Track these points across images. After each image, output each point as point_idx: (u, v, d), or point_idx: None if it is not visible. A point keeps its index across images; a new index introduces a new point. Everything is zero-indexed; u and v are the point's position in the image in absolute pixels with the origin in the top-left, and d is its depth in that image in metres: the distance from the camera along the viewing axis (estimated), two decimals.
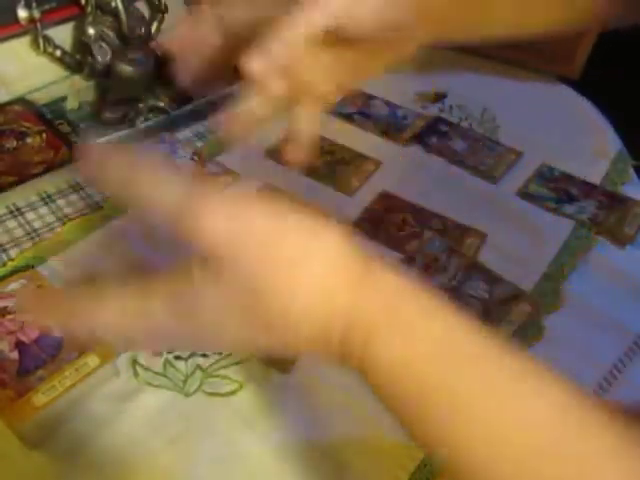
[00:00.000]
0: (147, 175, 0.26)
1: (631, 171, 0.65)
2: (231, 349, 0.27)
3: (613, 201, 0.60)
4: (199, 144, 0.65)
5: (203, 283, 0.25)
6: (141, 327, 0.27)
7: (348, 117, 0.71)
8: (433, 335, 0.23)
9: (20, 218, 0.55)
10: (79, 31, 0.67)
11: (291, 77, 0.35)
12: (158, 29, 0.70)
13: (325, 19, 0.32)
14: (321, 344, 0.25)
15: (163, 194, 0.25)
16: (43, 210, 0.56)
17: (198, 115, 0.70)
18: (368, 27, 0.33)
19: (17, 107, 0.64)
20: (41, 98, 0.68)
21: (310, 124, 0.43)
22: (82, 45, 0.66)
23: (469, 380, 0.23)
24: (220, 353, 0.45)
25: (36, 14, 0.61)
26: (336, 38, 0.34)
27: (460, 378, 0.23)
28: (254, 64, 0.33)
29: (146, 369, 0.43)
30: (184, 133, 0.67)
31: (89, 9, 0.64)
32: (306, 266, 0.24)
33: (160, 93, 0.69)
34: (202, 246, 0.24)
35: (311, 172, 0.62)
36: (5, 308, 0.45)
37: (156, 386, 0.43)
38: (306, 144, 0.43)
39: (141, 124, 0.68)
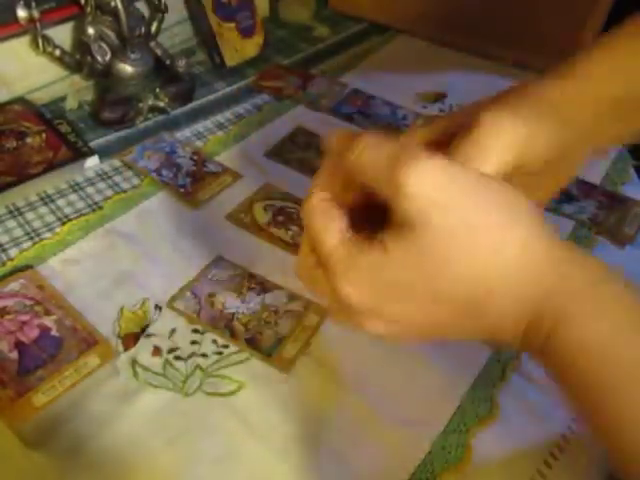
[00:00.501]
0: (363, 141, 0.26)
1: (631, 171, 0.65)
2: (410, 320, 0.26)
3: (613, 201, 0.60)
4: (199, 144, 0.65)
5: (395, 243, 0.25)
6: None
7: (348, 117, 0.71)
8: (635, 321, 0.24)
9: (20, 218, 0.55)
10: (79, 31, 0.67)
11: None
12: (158, 29, 0.70)
13: (500, 161, 0.29)
14: (516, 327, 0.25)
15: (375, 155, 0.25)
16: (43, 210, 0.56)
17: (198, 115, 0.70)
18: (541, 161, 0.32)
19: (17, 107, 0.64)
20: (41, 98, 0.68)
21: None
22: (82, 45, 0.66)
23: None
24: (220, 353, 0.45)
25: (35, 14, 0.61)
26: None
27: None
28: None
29: (146, 369, 0.43)
30: (184, 133, 0.67)
31: (89, 9, 0.64)
32: (506, 250, 0.24)
33: (160, 93, 0.69)
34: (403, 209, 0.24)
35: (311, 172, 0.62)
36: (5, 308, 0.45)
37: (156, 386, 0.43)
38: None
39: (141, 124, 0.68)
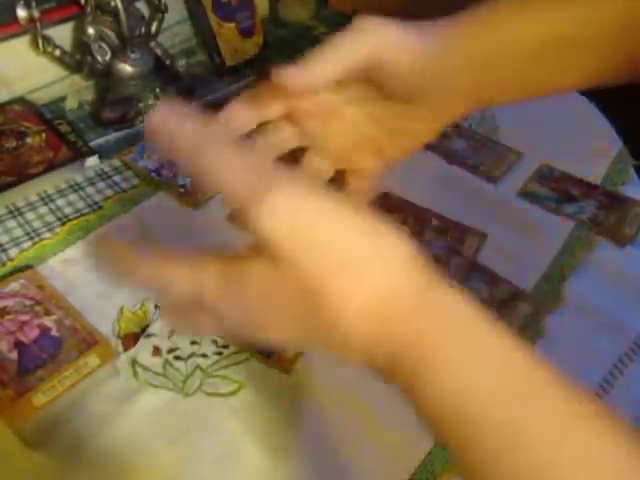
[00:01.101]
0: (216, 149, 0.24)
1: (631, 171, 0.65)
2: (274, 337, 0.26)
3: (613, 201, 0.60)
4: None
5: (258, 264, 0.24)
6: (192, 291, 0.26)
7: None
8: (496, 365, 0.22)
9: (20, 218, 0.55)
10: (79, 31, 0.67)
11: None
12: (158, 29, 0.70)
13: (355, 58, 0.30)
14: (368, 354, 0.24)
15: (231, 173, 0.24)
16: (43, 210, 0.56)
17: None
18: (402, 72, 0.31)
19: (17, 107, 0.64)
20: (41, 98, 0.68)
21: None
22: (82, 45, 0.66)
23: (536, 417, 0.22)
24: (220, 353, 0.45)
25: (35, 14, 0.61)
26: (367, 85, 0.32)
27: (526, 414, 0.22)
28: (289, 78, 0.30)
29: (146, 369, 0.43)
30: None
31: (89, 9, 0.64)
32: (365, 272, 0.23)
33: (160, 93, 0.69)
34: (262, 235, 0.23)
35: None
36: (5, 308, 0.45)
37: (156, 386, 0.43)
38: None
39: (141, 124, 0.68)
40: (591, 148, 0.68)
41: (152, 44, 0.70)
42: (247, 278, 0.25)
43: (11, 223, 0.54)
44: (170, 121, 0.25)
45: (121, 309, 0.47)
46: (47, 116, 0.64)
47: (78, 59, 0.67)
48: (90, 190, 0.58)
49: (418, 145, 0.36)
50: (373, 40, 0.30)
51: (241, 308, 0.25)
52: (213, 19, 0.76)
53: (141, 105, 0.67)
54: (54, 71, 0.69)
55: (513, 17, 0.33)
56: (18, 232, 0.53)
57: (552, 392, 0.22)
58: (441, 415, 0.23)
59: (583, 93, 0.77)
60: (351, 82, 0.32)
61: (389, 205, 0.59)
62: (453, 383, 0.22)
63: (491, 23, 0.33)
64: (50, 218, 0.55)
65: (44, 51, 0.64)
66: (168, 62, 0.71)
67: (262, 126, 0.34)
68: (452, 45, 0.32)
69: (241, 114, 0.33)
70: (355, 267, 0.23)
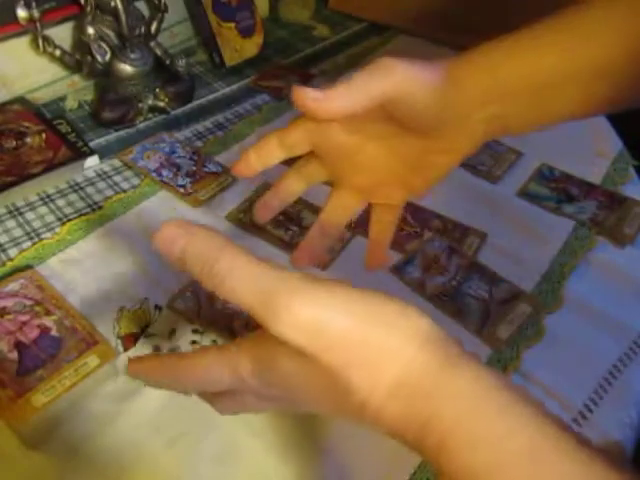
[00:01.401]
0: (226, 262, 0.26)
1: (631, 171, 0.65)
2: (311, 410, 0.30)
3: (613, 201, 0.60)
4: (199, 144, 0.65)
5: (286, 355, 0.26)
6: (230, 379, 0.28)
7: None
8: (519, 444, 0.23)
9: (20, 218, 0.55)
10: (78, 31, 0.67)
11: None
12: (158, 29, 0.70)
13: (380, 91, 0.31)
14: (398, 432, 0.25)
15: (243, 288, 0.25)
16: (43, 210, 0.56)
17: (198, 115, 0.70)
18: (420, 106, 0.32)
19: (17, 107, 0.64)
20: (40, 98, 0.68)
21: (380, 233, 0.41)
22: (81, 45, 0.66)
23: None
24: None
25: (35, 14, 0.61)
26: (388, 120, 0.33)
27: None
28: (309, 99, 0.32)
29: None
30: (184, 133, 0.67)
31: (88, 9, 0.64)
32: (384, 360, 0.24)
33: (160, 93, 0.69)
34: (285, 341, 0.25)
35: None
36: (4, 308, 0.45)
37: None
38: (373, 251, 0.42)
39: (141, 124, 0.68)
40: (591, 148, 0.68)
41: (152, 44, 0.70)
42: (279, 364, 0.26)
43: (11, 223, 0.54)
44: (179, 239, 0.26)
45: (121, 309, 0.47)
46: (47, 116, 0.64)
47: (78, 59, 0.67)
48: (90, 190, 0.58)
49: (442, 176, 0.37)
50: (391, 76, 0.31)
51: (278, 387, 0.28)
52: (213, 19, 0.76)
53: (141, 105, 0.67)
54: (54, 71, 0.69)
55: (528, 50, 0.34)
56: (18, 232, 0.53)
57: (574, 459, 0.22)
58: None
59: None
60: (371, 119, 0.34)
61: None
62: (474, 460, 0.23)
63: (506, 56, 0.34)
64: (50, 218, 0.55)
65: (44, 51, 0.64)
66: (168, 62, 0.71)
67: (291, 161, 0.37)
68: (467, 79, 0.33)
69: (270, 151, 0.36)
70: (375, 357, 0.24)
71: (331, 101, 0.32)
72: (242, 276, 0.25)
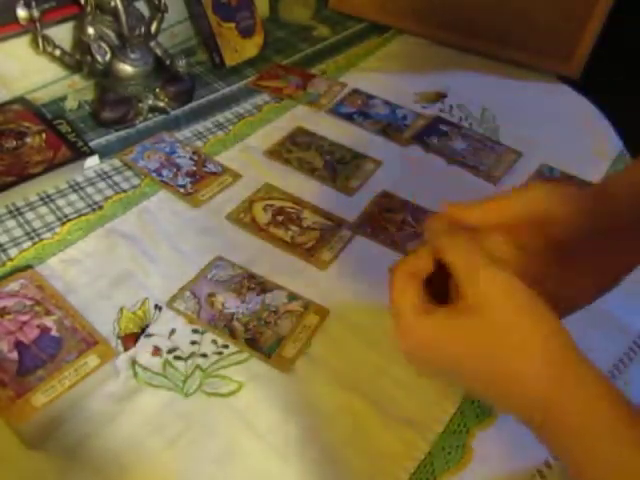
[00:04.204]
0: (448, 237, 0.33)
1: None
2: (462, 385, 0.36)
3: None
4: (199, 144, 0.65)
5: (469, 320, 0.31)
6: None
7: (348, 117, 0.71)
8: (620, 456, 0.27)
9: (20, 218, 0.55)
10: (78, 31, 0.67)
11: None
12: (158, 29, 0.70)
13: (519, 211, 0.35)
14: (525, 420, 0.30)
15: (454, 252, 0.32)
16: (43, 210, 0.56)
17: (198, 115, 0.70)
18: (567, 220, 0.34)
19: (17, 107, 0.64)
20: (41, 98, 0.68)
21: None
22: (81, 45, 0.66)
23: None
24: (220, 353, 0.45)
25: (35, 14, 0.61)
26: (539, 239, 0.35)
27: None
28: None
29: (145, 369, 0.43)
30: (184, 133, 0.67)
31: (88, 9, 0.64)
32: (525, 359, 0.30)
33: (160, 93, 0.69)
34: (478, 294, 0.30)
35: (311, 171, 0.62)
36: (4, 308, 0.45)
37: (156, 386, 0.43)
38: None
39: (141, 124, 0.68)
40: (591, 148, 0.68)
41: (152, 44, 0.70)
42: (457, 332, 0.31)
43: (11, 223, 0.54)
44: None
45: (121, 309, 0.47)
46: (47, 116, 0.64)
47: (78, 59, 0.67)
48: (90, 190, 0.58)
49: (569, 312, 0.39)
50: (541, 193, 0.35)
51: (449, 358, 0.31)
52: (213, 19, 0.76)
53: (141, 105, 0.67)
54: (54, 71, 0.69)
55: None
56: (18, 232, 0.53)
57: None
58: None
59: (584, 93, 0.77)
60: (520, 234, 0.36)
61: (389, 205, 0.59)
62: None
63: None
64: (50, 218, 0.55)
65: (44, 51, 0.64)
66: (168, 62, 0.71)
67: None
68: (614, 189, 0.36)
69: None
70: (513, 359, 0.30)
71: (488, 215, 0.38)
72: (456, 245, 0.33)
